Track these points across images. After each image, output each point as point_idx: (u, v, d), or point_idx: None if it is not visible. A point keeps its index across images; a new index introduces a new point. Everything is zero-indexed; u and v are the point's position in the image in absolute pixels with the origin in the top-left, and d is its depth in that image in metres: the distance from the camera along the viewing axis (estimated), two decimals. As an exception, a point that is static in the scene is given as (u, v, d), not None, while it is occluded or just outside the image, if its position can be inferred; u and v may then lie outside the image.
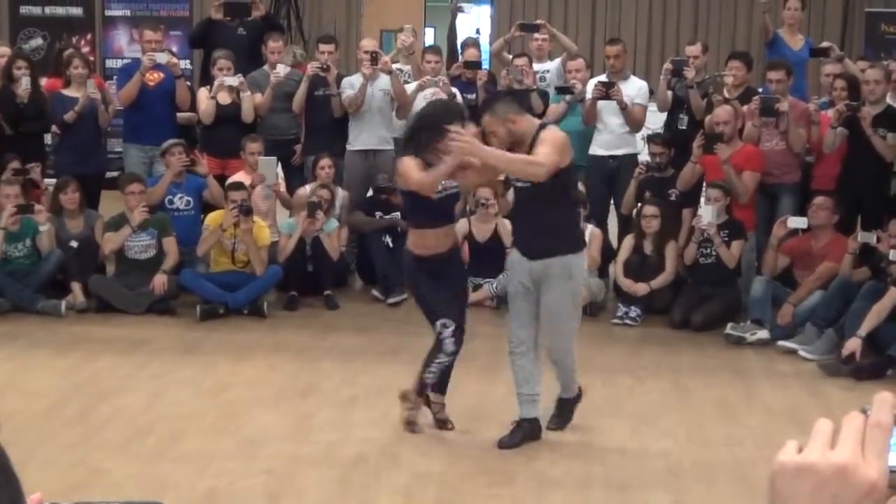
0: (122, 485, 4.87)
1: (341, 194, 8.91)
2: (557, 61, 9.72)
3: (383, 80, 9.02)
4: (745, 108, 8.32)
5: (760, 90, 8.68)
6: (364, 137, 9.04)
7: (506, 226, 8.44)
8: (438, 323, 5.48)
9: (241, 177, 8.66)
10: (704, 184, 8.41)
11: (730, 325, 7.72)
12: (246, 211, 8.00)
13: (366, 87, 8.98)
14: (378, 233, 8.78)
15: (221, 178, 8.77)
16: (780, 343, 7.43)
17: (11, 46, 10.71)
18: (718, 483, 5.11)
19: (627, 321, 8.08)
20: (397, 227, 8.52)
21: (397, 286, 8.23)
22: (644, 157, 9.11)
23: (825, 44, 9.33)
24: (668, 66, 8.87)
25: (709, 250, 8.04)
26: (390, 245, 8.65)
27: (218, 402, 6.14)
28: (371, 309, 8.42)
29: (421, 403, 5.70)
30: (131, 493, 4.72)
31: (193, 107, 9.29)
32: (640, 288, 8.13)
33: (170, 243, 8.29)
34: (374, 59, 8.86)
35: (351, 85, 9.08)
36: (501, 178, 8.72)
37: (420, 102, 8.95)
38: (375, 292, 8.72)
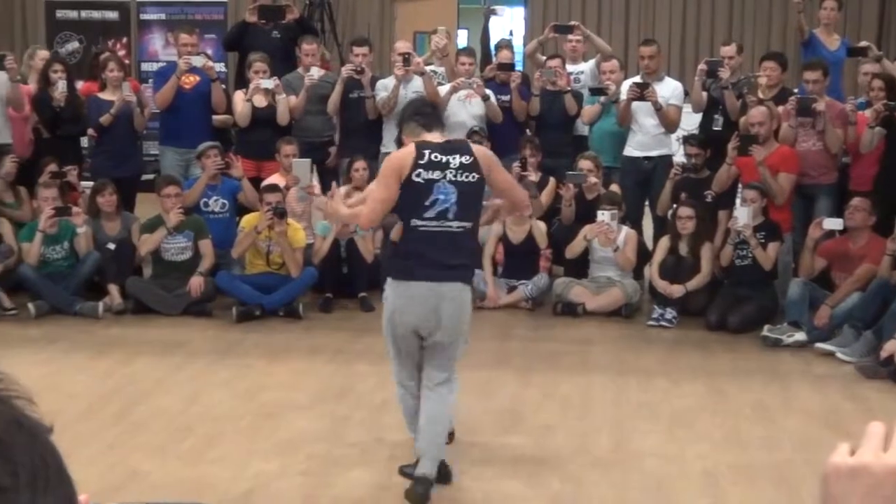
0: (160, 486, 4.89)
1: (375, 196, 8.92)
2: (591, 62, 9.71)
3: (417, 82, 9.04)
4: (780, 108, 8.27)
5: (796, 91, 8.63)
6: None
7: (540, 228, 8.44)
8: None
9: (275, 179, 8.69)
10: (740, 185, 8.37)
11: (766, 327, 7.67)
12: (280, 213, 8.03)
13: (398, 89, 9.00)
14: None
15: (256, 181, 8.82)
16: (818, 345, 7.37)
17: (48, 50, 10.81)
18: (756, 486, 5.07)
19: (663, 323, 8.05)
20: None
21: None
22: (679, 158, 9.08)
23: (863, 43, 9.27)
24: (702, 66, 8.83)
25: (745, 252, 7.99)
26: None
27: (254, 403, 6.17)
28: (405, 311, 8.41)
29: None
30: (169, 494, 4.75)
31: (229, 109, 9.36)
32: (676, 290, 8.10)
33: (206, 245, 8.35)
34: (407, 60, 8.87)
35: (385, 87, 9.11)
36: (534, 178, 8.75)
37: (454, 104, 8.98)
38: (409, 294, 8.72)
